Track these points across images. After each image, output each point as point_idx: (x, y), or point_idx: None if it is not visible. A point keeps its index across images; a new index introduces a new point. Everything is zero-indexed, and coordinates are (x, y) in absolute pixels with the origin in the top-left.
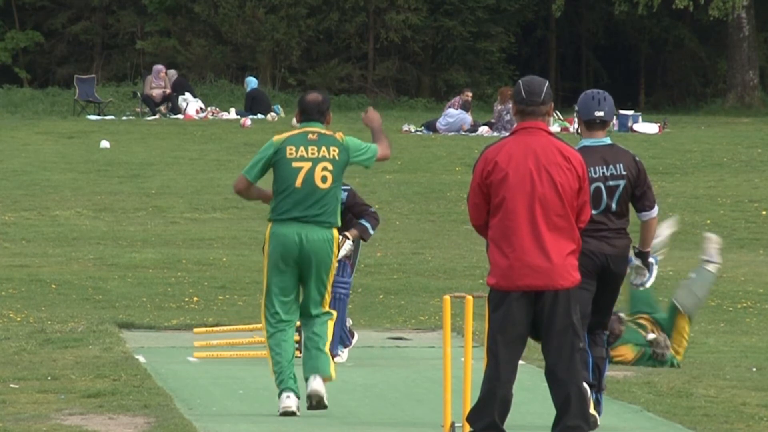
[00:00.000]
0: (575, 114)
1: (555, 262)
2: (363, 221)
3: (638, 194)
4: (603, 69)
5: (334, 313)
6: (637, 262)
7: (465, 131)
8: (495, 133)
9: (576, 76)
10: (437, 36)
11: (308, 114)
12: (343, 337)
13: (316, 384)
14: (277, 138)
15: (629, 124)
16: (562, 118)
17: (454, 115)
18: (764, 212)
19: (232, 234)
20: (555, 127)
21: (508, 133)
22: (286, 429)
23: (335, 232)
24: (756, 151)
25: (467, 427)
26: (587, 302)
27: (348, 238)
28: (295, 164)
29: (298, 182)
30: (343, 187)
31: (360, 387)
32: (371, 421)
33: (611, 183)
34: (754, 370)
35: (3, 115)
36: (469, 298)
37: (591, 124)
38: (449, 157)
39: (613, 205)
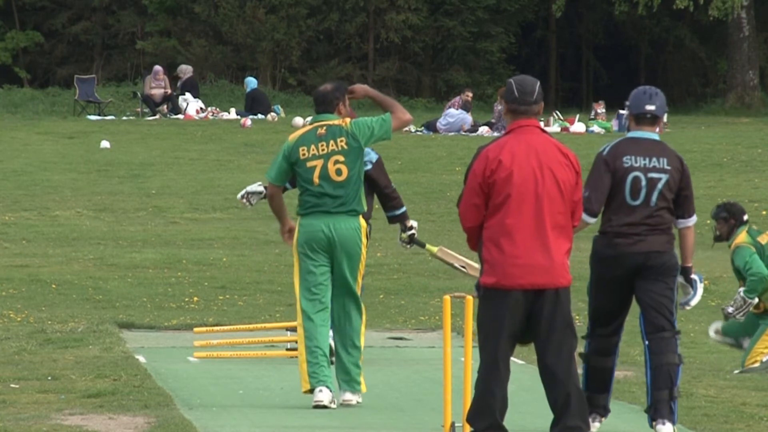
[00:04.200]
0: (625, 108)
1: (556, 261)
2: (396, 213)
3: (680, 198)
4: (603, 69)
5: (364, 314)
6: (680, 279)
7: (465, 131)
8: (495, 133)
9: (576, 76)
10: (437, 36)
11: (317, 105)
12: None
13: (348, 396)
14: (291, 138)
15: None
16: (562, 118)
17: (454, 115)
18: (764, 212)
19: (232, 234)
20: (555, 127)
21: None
22: (287, 429)
23: (362, 220)
24: (756, 151)
25: (467, 428)
26: (613, 307)
27: (412, 229)
28: (309, 164)
29: (315, 180)
30: (372, 154)
31: None
32: (371, 421)
33: (652, 175)
34: None
35: (3, 115)
36: (469, 298)
37: (641, 119)
38: (449, 157)
39: (653, 200)
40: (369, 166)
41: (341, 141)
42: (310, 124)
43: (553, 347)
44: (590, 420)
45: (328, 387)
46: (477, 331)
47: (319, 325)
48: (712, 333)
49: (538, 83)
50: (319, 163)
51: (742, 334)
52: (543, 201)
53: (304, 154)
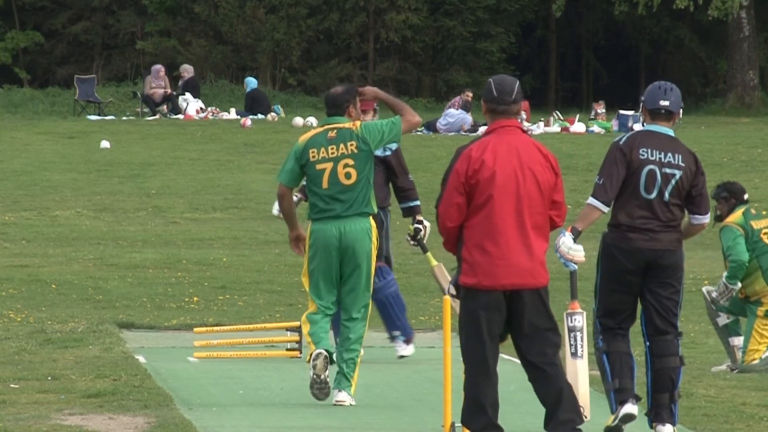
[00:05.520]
0: (641, 104)
1: (537, 260)
2: (410, 204)
3: (694, 194)
4: (603, 69)
5: (368, 312)
6: None
7: (465, 131)
8: None
9: (576, 76)
10: (437, 36)
11: (327, 108)
12: (407, 329)
13: (341, 396)
14: (302, 139)
15: (629, 125)
16: (562, 118)
17: (454, 115)
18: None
19: (232, 234)
20: (555, 127)
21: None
22: (287, 429)
23: (372, 220)
24: (756, 151)
25: (466, 429)
26: (625, 302)
27: (423, 225)
28: (318, 167)
29: (324, 184)
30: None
31: (360, 387)
32: (371, 421)
33: (667, 170)
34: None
35: (3, 115)
36: None
37: (655, 114)
38: (449, 157)
39: (666, 195)
40: (389, 152)
41: (351, 145)
42: (321, 126)
43: (539, 346)
44: (630, 404)
45: (328, 351)
46: (459, 332)
47: (324, 319)
48: (713, 290)
49: (518, 83)
50: (328, 166)
51: (725, 311)
52: (524, 201)
53: (314, 156)
